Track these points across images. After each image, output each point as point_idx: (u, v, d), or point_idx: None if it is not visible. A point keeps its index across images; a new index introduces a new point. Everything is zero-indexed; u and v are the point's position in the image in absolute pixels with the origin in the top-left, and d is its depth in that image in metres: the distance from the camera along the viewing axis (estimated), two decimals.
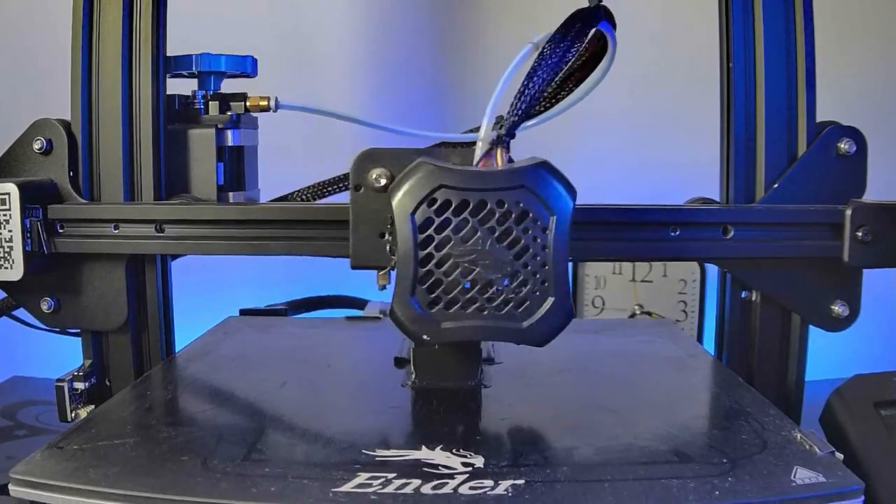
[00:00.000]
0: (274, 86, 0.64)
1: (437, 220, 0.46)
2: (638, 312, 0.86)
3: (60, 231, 0.56)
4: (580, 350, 0.65)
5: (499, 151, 0.50)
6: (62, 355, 0.64)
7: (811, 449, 0.43)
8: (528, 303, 0.46)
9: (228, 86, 0.63)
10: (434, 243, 0.46)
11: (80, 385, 0.59)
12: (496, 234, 0.46)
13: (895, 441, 0.53)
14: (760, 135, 0.57)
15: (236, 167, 0.61)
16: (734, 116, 0.57)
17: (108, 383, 0.61)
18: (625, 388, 0.56)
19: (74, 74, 0.58)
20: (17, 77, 1.02)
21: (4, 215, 0.54)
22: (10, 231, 0.54)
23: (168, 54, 0.60)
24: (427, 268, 0.46)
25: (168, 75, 0.60)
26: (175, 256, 0.62)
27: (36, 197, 0.55)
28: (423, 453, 0.42)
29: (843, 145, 0.57)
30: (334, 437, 0.45)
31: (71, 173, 0.57)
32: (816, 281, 0.57)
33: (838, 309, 0.58)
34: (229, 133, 0.60)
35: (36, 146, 0.57)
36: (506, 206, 0.46)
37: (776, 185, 0.56)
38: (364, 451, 0.43)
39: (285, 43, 1.03)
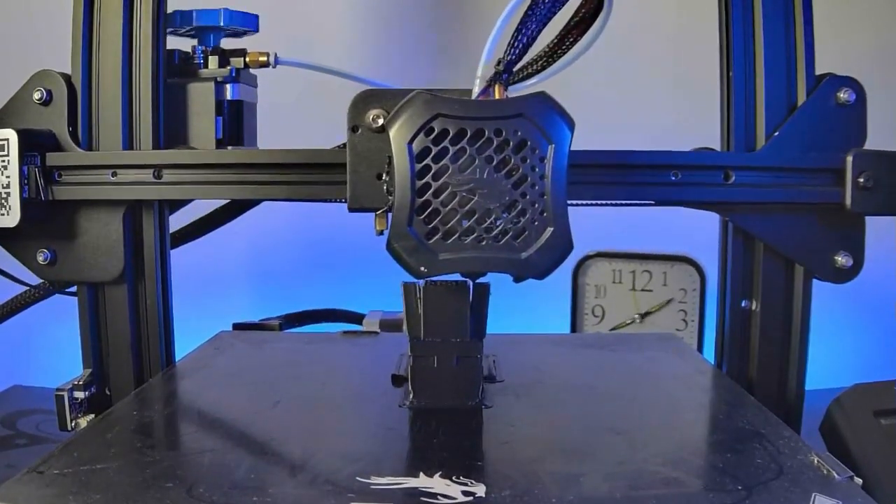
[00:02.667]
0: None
1: (435, 150, 0.46)
2: (638, 321, 0.86)
3: (58, 179, 0.56)
4: (585, 367, 0.64)
5: (496, 88, 0.50)
6: (62, 365, 0.64)
7: (829, 474, 0.41)
8: (526, 233, 0.46)
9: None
10: (431, 173, 0.46)
11: (80, 394, 0.58)
12: (494, 162, 0.46)
13: (895, 450, 0.52)
14: (760, 85, 0.57)
15: (235, 122, 0.61)
16: (734, 66, 0.57)
17: (108, 392, 0.61)
18: (632, 407, 0.54)
19: (76, 28, 0.58)
20: (18, 34, 1.01)
21: (2, 161, 0.54)
22: (7, 177, 0.54)
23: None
24: (424, 197, 0.46)
25: (168, 31, 0.61)
26: (173, 209, 0.61)
27: (35, 144, 0.55)
28: (421, 481, 0.40)
29: (842, 94, 0.56)
30: (327, 463, 0.43)
31: (70, 128, 0.57)
32: (819, 230, 0.57)
33: (842, 259, 0.57)
34: (228, 87, 0.60)
35: (36, 96, 0.57)
36: (504, 134, 0.46)
37: (776, 134, 0.56)
38: (358, 478, 0.40)
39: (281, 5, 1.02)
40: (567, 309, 0.87)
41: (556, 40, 0.58)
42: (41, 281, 0.65)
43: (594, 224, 0.84)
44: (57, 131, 0.57)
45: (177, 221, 0.69)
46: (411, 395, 0.52)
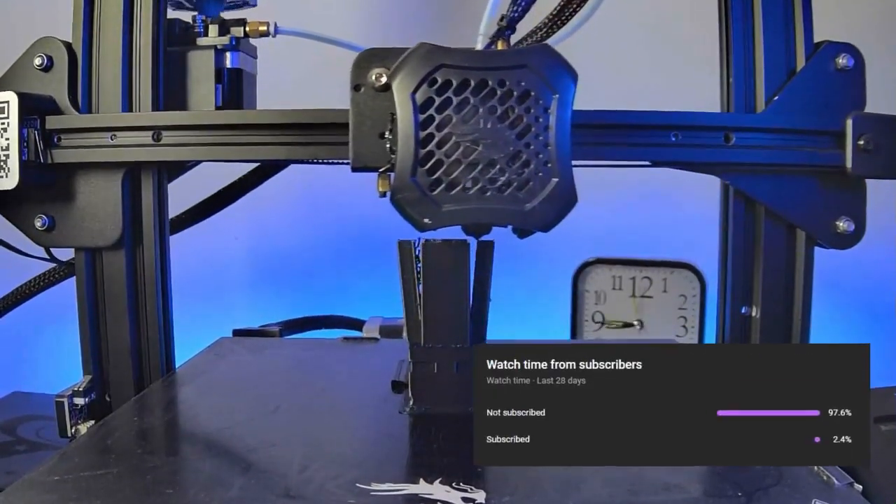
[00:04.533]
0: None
1: (438, 100, 0.46)
2: (638, 328, 0.86)
3: (58, 142, 0.56)
4: None
5: (499, 44, 0.50)
6: (62, 371, 0.63)
7: (828, 480, 0.41)
8: (530, 184, 0.46)
9: None
10: (435, 123, 0.46)
11: (80, 400, 0.58)
12: (497, 113, 0.46)
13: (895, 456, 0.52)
14: (759, 51, 0.57)
15: (234, 90, 0.61)
16: (732, 31, 0.57)
17: (108, 398, 0.60)
18: None
19: None
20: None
21: (2, 123, 0.54)
22: (7, 140, 0.54)
23: None
24: (428, 148, 0.46)
25: (170, 2, 0.61)
26: (172, 176, 0.61)
27: (35, 108, 0.55)
28: (421, 487, 0.40)
29: (840, 60, 0.57)
30: (327, 469, 0.43)
31: (70, 96, 0.57)
32: (820, 194, 0.57)
33: (843, 224, 0.57)
34: (228, 55, 0.60)
35: (37, 62, 0.57)
36: (507, 84, 0.46)
37: (776, 98, 0.56)
38: (358, 484, 0.40)
39: None
40: (567, 315, 0.87)
41: (556, 10, 0.58)
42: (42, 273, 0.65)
43: (594, 229, 0.85)
44: (57, 97, 0.57)
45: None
46: (411, 402, 0.52)
